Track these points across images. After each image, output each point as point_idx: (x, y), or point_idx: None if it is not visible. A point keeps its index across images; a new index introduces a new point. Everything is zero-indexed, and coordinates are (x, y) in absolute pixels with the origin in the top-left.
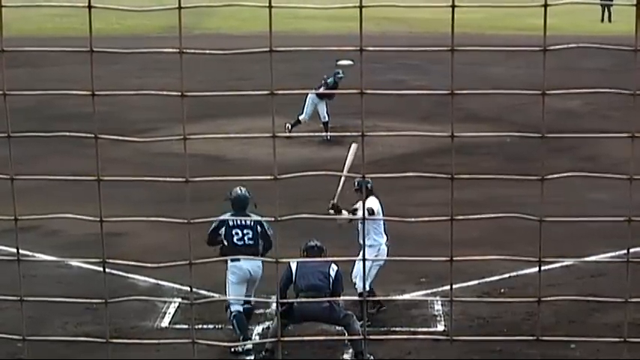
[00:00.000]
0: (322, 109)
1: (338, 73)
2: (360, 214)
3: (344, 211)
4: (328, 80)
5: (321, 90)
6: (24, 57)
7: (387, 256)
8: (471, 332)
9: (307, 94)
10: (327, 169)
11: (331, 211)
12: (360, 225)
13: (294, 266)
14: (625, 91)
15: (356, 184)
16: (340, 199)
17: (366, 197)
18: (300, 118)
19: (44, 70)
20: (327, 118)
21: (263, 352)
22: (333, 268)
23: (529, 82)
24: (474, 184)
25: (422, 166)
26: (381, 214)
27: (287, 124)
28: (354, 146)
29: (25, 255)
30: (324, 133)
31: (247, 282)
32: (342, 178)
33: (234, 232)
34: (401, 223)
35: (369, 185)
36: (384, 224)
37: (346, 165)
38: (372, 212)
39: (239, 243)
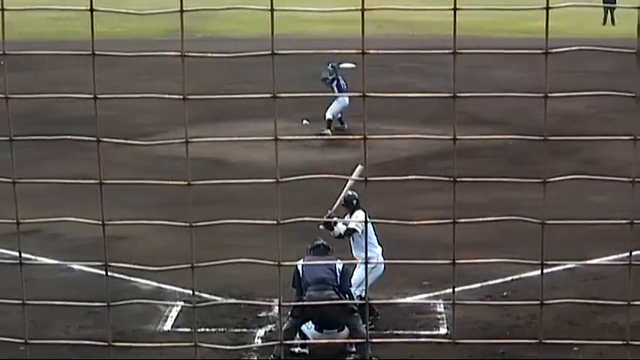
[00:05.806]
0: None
1: (332, 66)
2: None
3: (339, 224)
4: (331, 77)
5: (335, 88)
6: (26, 61)
7: (384, 267)
8: (474, 335)
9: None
10: (329, 172)
11: (321, 227)
12: (351, 239)
13: (300, 263)
14: (628, 94)
15: (343, 199)
16: (336, 213)
17: (352, 212)
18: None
19: (46, 73)
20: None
21: (272, 356)
22: (339, 263)
23: (532, 85)
24: (476, 187)
25: (425, 169)
26: (370, 228)
27: (331, 127)
28: (358, 168)
29: (28, 258)
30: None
31: None
32: (341, 196)
33: None
34: (404, 226)
35: (354, 202)
36: (377, 236)
37: (346, 187)
38: (355, 230)
39: None
